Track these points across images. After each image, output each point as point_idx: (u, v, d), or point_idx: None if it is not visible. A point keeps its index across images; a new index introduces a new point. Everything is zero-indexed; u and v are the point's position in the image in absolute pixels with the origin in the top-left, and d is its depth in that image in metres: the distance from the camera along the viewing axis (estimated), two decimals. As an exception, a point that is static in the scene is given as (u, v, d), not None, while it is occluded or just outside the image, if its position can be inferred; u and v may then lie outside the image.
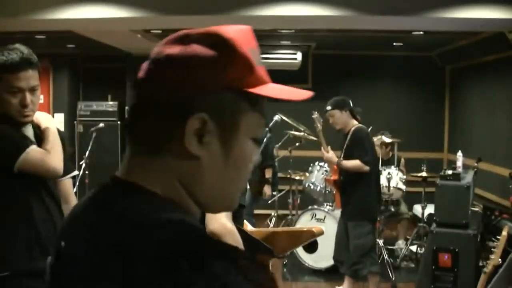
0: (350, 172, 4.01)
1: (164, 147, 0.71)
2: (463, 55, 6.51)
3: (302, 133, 5.56)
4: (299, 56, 6.79)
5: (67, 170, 2.11)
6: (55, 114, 7.72)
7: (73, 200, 2.20)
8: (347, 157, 4.07)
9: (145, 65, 0.77)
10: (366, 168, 3.91)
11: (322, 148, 4.22)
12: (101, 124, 5.68)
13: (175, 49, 0.74)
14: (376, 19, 4.44)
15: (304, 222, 4.96)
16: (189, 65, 0.70)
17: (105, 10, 4.40)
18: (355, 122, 4.14)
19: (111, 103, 7.44)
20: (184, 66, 0.70)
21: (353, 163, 3.97)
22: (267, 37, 6.32)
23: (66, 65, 7.64)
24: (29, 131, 1.99)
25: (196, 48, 0.71)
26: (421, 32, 5.53)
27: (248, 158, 0.76)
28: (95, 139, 5.55)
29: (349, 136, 4.09)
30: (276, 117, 4.21)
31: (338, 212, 4.55)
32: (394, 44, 6.53)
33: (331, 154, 4.17)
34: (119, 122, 7.41)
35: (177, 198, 0.72)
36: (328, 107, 4.14)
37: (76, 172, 2.23)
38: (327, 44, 6.86)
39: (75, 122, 7.38)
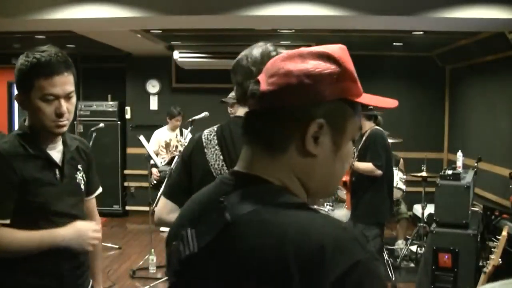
0: (362, 174, 3.99)
1: (284, 147, 0.85)
2: (463, 55, 6.51)
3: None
4: (299, 56, 6.78)
5: (92, 188, 2.00)
6: (55, 114, 7.74)
7: (97, 219, 2.03)
8: (361, 159, 4.04)
9: (263, 77, 0.87)
10: (378, 172, 3.89)
11: None
12: (101, 124, 5.68)
13: (297, 65, 0.85)
14: (376, 19, 4.44)
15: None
16: (313, 78, 0.84)
17: (105, 10, 4.40)
18: (371, 124, 4.11)
19: (111, 103, 7.44)
20: (308, 79, 0.83)
21: (366, 166, 3.95)
22: (267, 37, 6.32)
23: (66, 65, 7.64)
24: (58, 147, 1.78)
25: (317, 65, 0.85)
26: (421, 32, 5.53)
27: (350, 155, 0.93)
28: (95, 139, 5.55)
29: (364, 138, 4.07)
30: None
31: (338, 212, 4.54)
32: (394, 44, 6.52)
33: None
34: (119, 122, 7.41)
35: (292, 188, 0.87)
36: None
37: (100, 190, 2.07)
38: (327, 44, 6.85)
39: (75, 122, 7.38)
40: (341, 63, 0.86)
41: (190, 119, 4.72)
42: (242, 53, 1.75)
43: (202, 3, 4.38)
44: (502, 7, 4.19)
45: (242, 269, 0.79)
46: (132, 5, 4.39)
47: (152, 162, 5.97)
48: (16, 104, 7.94)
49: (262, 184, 0.85)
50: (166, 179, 4.67)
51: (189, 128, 4.79)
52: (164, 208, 1.85)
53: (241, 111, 1.83)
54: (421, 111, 7.28)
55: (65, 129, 1.72)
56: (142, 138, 5.63)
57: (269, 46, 1.74)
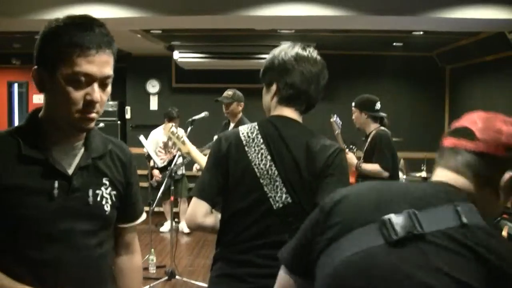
0: (368, 176, 3.96)
1: (485, 184, 1.08)
2: (463, 55, 6.51)
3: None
4: (299, 56, 6.78)
5: (131, 213, 1.53)
6: (55, 114, 7.74)
7: (136, 256, 1.65)
8: (366, 160, 4.00)
9: (476, 127, 1.12)
10: (385, 174, 3.82)
11: None
12: (101, 124, 5.67)
13: (507, 127, 1.10)
14: (376, 19, 4.44)
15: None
16: None
17: (105, 10, 4.40)
18: (376, 125, 4.05)
19: (111, 103, 7.44)
20: None
21: (372, 167, 3.90)
22: (267, 37, 6.31)
23: (66, 65, 7.64)
24: (77, 149, 1.34)
25: None
26: (421, 32, 5.53)
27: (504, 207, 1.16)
28: (95, 139, 5.55)
29: (369, 139, 4.02)
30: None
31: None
32: (394, 44, 6.52)
33: (350, 155, 4.12)
34: (119, 122, 7.42)
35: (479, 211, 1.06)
36: (353, 103, 4.09)
37: (144, 217, 1.60)
38: (327, 44, 6.85)
39: (75, 122, 7.38)
40: None
41: (190, 119, 4.72)
42: (284, 54, 1.72)
43: (202, 3, 4.38)
44: (502, 7, 4.19)
45: (473, 267, 0.94)
46: (132, 5, 4.39)
47: (151, 162, 5.97)
48: (16, 104, 7.93)
49: (473, 205, 1.05)
50: (165, 180, 4.66)
51: (189, 128, 4.78)
52: (199, 210, 1.71)
53: (285, 111, 1.74)
54: (421, 111, 7.28)
55: (92, 124, 1.30)
56: (142, 138, 5.63)
57: (301, 47, 1.74)
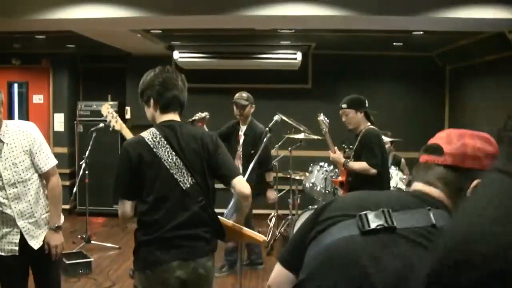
0: (359, 174, 3.97)
1: (456, 193, 1.22)
2: (463, 55, 6.51)
3: (302, 134, 5.55)
4: (299, 56, 6.78)
5: None
6: (55, 114, 7.73)
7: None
8: (357, 158, 4.02)
9: (442, 142, 1.28)
10: (373, 171, 3.85)
11: (330, 149, 4.20)
12: (101, 124, 5.67)
13: (471, 141, 1.24)
14: (376, 19, 4.44)
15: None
16: (483, 154, 1.23)
17: (105, 10, 4.40)
18: (367, 123, 4.08)
19: (111, 103, 7.44)
20: (480, 155, 1.23)
21: (360, 165, 3.93)
22: (267, 37, 6.31)
23: (66, 65, 7.64)
24: None
25: (483, 144, 1.24)
26: (421, 32, 5.53)
27: None
28: (95, 139, 5.56)
29: (359, 138, 4.04)
30: (276, 117, 4.18)
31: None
32: (394, 44, 6.52)
33: (337, 154, 4.14)
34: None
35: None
36: (344, 105, 4.05)
37: None
38: (327, 44, 6.85)
39: (75, 122, 7.38)
40: (496, 147, 1.25)
41: (190, 119, 4.72)
42: (151, 75, 2.47)
43: (202, 3, 4.38)
44: (502, 7, 4.19)
45: (453, 266, 0.96)
46: (132, 5, 4.39)
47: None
48: (16, 104, 7.95)
49: (445, 210, 1.21)
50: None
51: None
52: (127, 208, 2.29)
53: (170, 116, 2.43)
54: (421, 111, 7.28)
55: None
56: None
57: (161, 68, 2.50)
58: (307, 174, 5.70)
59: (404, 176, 5.28)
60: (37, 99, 7.82)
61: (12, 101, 7.84)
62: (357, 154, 4.03)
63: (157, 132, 2.34)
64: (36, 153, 2.75)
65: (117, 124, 2.92)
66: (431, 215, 1.17)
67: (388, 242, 1.15)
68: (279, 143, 5.90)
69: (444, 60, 7.13)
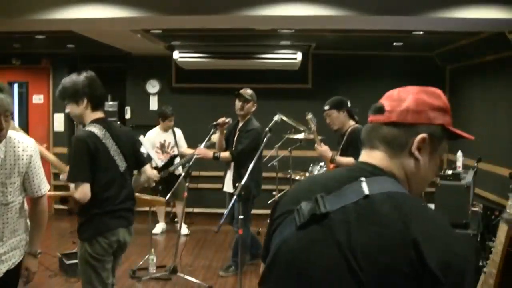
0: None
1: (400, 150, 1.18)
2: (463, 55, 6.51)
3: (302, 134, 5.55)
4: (299, 56, 6.78)
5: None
6: (55, 114, 7.74)
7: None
8: (342, 155, 4.11)
9: (386, 102, 1.23)
10: None
11: (316, 143, 4.25)
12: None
13: (416, 95, 1.23)
14: (376, 19, 4.44)
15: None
16: (428, 108, 1.20)
17: (105, 10, 4.40)
18: (352, 122, 4.20)
19: (111, 103, 7.44)
20: (424, 108, 1.19)
21: (347, 160, 4.01)
22: (267, 37, 6.32)
23: (66, 65, 7.64)
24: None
25: (429, 98, 1.22)
26: (421, 32, 5.53)
27: (437, 168, 1.26)
28: (95, 139, 5.54)
29: (345, 137, 4.14)
30: (276, 117, 4.19)
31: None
32: (394, 44, 6.52)
33: (325, 148, 4.20)
34: (119, 122, 7.41)
35: (401, 182, 1.18)
36: (326, 107, 4.19)
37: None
38: (327, 44, 6.86)
39: (75, 122, 7.38)
40: (446, 100, 1.24)
41: (214, 123, 4.77)
42: (80, 79, 2.82)
43: (202, 3, 4.37)
44: (502, 7, 4.19)
45: (372, 235, 1.04)
46: (132, 5, 4.39)
47: (153, 162, 5.97)
48: (16, 104, 7.96)
49: (386, 175, 1.17)
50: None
51: (211, 132, 4.82)
52: (87, 189, 2.70)
53: (99, 114, 2.85)
54: (421, 111, 7.27)
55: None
56: (142, 138, 5.63)
57: (78, 73, 2.86)
58: (307, 174, 5.70)
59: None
60: (37, 99, 7.82)
61: (12, 101, 7.84)
62: (343, 151, 4.11)
63: (101, 126, 2.81)
64: (32, 176, 2.49)
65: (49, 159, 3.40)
66: (363, 186, 1.11)
67: (322, 231, 1.10)
68: (279, 143, 5.91)
69: (444, 60, 7.13)
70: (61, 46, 7.13)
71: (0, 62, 7.62)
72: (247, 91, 4.89)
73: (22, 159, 2.41)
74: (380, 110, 1.22)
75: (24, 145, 2.44)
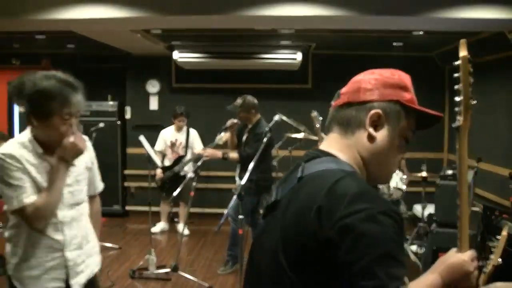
0: None
1: (355, 130, 1.19)
2: (463, 55, 6.50)
3: (302, 134, 5.55)
4: (299, 56, 6.78)
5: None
6: (55, 114, 7.73)
7: None
8: None
9: (343, 88, 1.27)
10: None
11: (318, 141, 4.25)
12: (101, 124, 5.69)
13: (367, 75, 1.24)
14: (376, 19, 4.44)
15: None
16: (381, 84, 1.21)
17: (105, 10, 4.40)
18: None
19: (111, 103, 7.44)
20: (376, 86, 1.20)
21: None
22: (267, 37, 6.31)
23: (66, 65, 7.62)
24: None
25: (381, 73, 1.23)
26: (421, 32, 5.53)
27: (402, 150, 1.24)
28: (95, 139, 5.55)
29: None
30: (276, 117, 4.18)
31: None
32: (394, 44, 6.52)
33: None
34: (119, 122, 7.41)
35: (355, 165, 1.18)
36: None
37: None
38: (327, 44, 6.85)
39: (75, 122, 7.37)
40: (405, 77, 1.24)
41: (224, 127, 4.87)
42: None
43: (202, 3, 4.37)
44: (502, 7, 4.19)
45: (291, 215, 1.09)
46: (132, 5, 4.39)
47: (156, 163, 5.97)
48: (16, 104, 7.98)
49: (329, 156, 1.18)
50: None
51: (222, 133, 4.87)
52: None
53: None
54: (421, 111, 7.27)
55: None
56: (142, 138, 5.63)
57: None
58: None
59: (404, 176, 5.29)
60: (37, 99, 7.81)
61: (12, 101, 7.84)
62: None
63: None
64: (94, 171, 2.38)
65: None
66: (299, 170, 1.16)
67: (270, 219, 1.18)
68: (279, 143, 5.90)
69: (444, 60, 7.14)
70: (61, 46, 7.12)
71: (0, 62, 7.62)
72: (238, 101, 4.94)
73: (87, 151, 2.25)
74: (338, 95, 1.28)
75: (86, 140, 2.28)
